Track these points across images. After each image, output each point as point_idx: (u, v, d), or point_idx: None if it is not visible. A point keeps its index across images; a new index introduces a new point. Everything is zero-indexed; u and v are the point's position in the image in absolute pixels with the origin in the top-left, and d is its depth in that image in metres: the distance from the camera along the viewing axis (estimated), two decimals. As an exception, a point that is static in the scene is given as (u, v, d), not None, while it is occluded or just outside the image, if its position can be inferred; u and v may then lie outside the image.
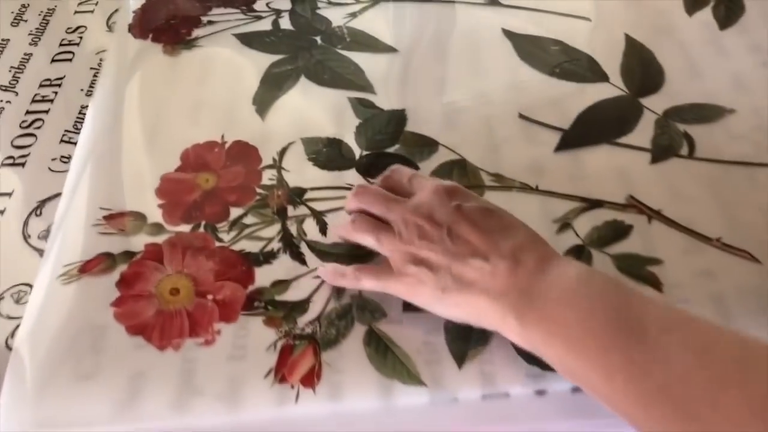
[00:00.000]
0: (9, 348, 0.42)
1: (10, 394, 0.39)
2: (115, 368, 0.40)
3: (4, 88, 0.58)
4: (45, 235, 0.47)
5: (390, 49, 0.57)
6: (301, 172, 0.49)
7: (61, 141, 0.54)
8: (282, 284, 0.43)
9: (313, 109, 0.53)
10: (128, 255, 0.45)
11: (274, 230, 0.46)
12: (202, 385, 0.39)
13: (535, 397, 0.38)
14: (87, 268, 0.44)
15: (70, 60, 0.60)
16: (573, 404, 0.38)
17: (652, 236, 0.44)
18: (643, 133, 0.50)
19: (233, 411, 0.38)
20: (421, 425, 0.38)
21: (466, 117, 0.52)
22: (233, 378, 0.39)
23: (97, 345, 0.41)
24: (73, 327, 0.41)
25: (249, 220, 0.46)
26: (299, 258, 0.44)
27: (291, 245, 0.45)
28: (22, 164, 0.52)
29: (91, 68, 0.59)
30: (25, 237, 0.48)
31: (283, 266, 0.44)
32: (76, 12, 0.65)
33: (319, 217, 0.46)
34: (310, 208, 0.47)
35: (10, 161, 0.52)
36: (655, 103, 0.52)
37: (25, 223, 0.48)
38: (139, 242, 0.45)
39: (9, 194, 0.50)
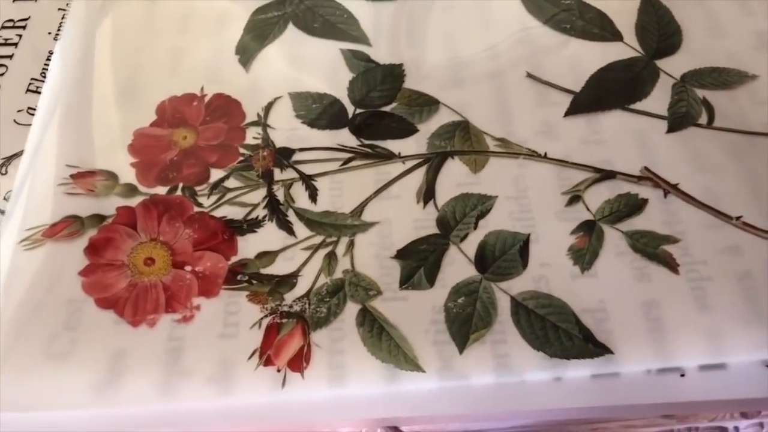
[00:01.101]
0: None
1: None
2: (93, 346, 0.36)
3: (-40, 28, 0.52)
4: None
5: (387, -3, 0.53)
6: (289, 131, 0.45)
7: (28, 90, 0.49)
8: (268, 256, 0.39)
9: (302, 62, 0.49)
10: (98, 219, 0.41)
11: (258, 195, 0.42)
12: (191, 367, 0.35)
13: (551, 383, 0.36)
14: (52, 232, 0.40)
15: (35, -1, 0.55)
16: (590, 389, 0.35)
17: (669, 211, 0.41)
18: (659, 99, 0.46)
19: (224, 395, 0.35)
20: (424, 411, 0.35)
21: (470, 74, 0.48)
22: (224, 359, 0.36)
23: (72, 320, 0.37)
24: (42, 300, 0.38)
25: (231, 183, 0.42)
26: (287, 227, 0.41)
27: (278, 212, 0.41)
28: (-18, 115, 0.48)
29: (60, 9, 0.54)
30: (-13, 197, 0.44)
31: (269, 236, 0.40)
32: (41, -55, 0.59)
33: (308, 181, 0.42)
34: (299, 172, 0.43)
35: (-32, 111, 0.48)
36: (673, 66, 0.48)
37: (-13, 182, 0.44)
38: (110, 205, 0.41)
39: (-33, 149, 0.46)
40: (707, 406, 0.38)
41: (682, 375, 0.35)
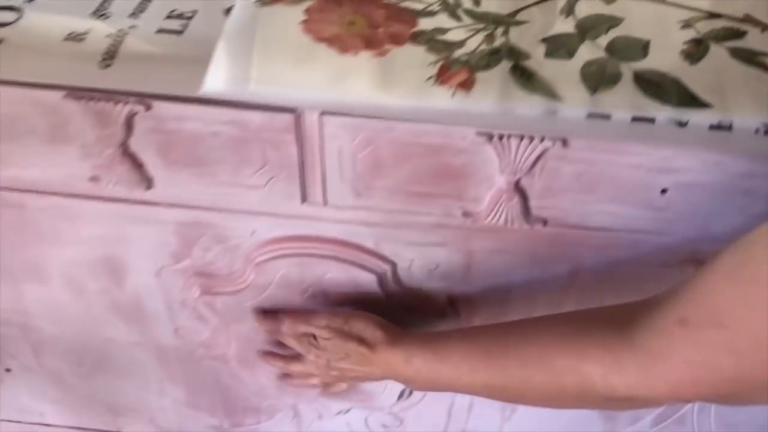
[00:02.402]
0: None
1: (230, 55, 0.47)
2: (324, 61, 0.47)
3: None
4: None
5: None
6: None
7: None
8: (441, 30, 0.50)
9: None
10: (310, -4, 0.52)
11: (435, -2, 0.53)
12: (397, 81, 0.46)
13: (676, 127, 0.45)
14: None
15: None
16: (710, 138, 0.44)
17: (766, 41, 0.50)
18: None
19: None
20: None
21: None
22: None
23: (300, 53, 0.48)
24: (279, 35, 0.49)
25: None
26: (455, 16, 0.52)
27: (449, 9, 0.52)
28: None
29: None
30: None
31: (441, 21, 0.51)
32: None
33: (473, -7, 0.54)
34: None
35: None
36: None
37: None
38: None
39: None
40: None
41: None
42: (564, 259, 0.58)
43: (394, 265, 0.61)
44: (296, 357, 0.64)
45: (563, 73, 0.47)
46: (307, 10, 0.51)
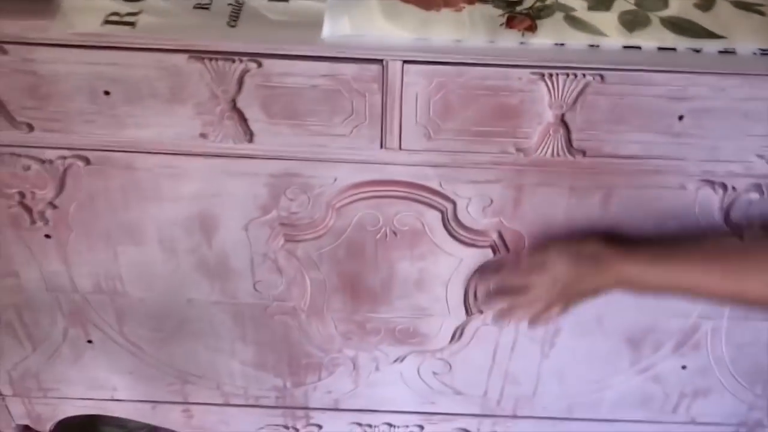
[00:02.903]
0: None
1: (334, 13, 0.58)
2: (412, 14, 0.60)
3: None
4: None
5: None
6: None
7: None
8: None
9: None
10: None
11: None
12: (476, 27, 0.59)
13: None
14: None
15: None
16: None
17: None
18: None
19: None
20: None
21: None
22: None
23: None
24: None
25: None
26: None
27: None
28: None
29: None
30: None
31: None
32: None
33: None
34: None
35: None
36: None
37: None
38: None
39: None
40: None
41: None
42: (599, 188, 0.70)
43: (454, 203, 0.71)
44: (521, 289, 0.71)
45: (605, 20, 0.60)
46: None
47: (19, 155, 0.69)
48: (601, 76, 0.61)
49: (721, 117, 0.64)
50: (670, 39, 0.58)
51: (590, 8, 0.61)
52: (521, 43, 0.59)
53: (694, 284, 0.65)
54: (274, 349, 0.86)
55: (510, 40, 0.58)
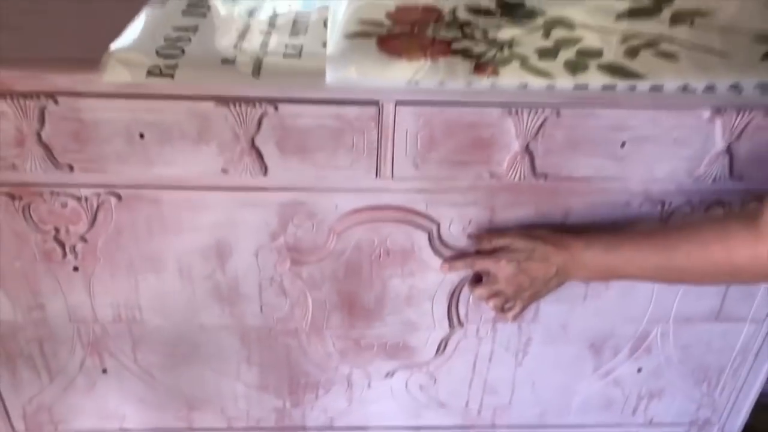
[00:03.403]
0: None
1: (335, 64, 0.71)
2: (399, 65, 0.73)
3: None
4: None
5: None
6: None
7: None
8: (469, 48, 0.77)
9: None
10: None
11: None
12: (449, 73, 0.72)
13: (629, 91, 0.72)
14: (354, 37, 0.77)
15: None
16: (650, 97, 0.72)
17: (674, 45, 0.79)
18: None
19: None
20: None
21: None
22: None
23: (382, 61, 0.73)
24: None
25: None
26: (474, 39, 0.78)
27: (467, 36, 0.79)
28: None
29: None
30: None
31: (466, 44, 0.78)
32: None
33: None
34: None
35: None
36: None
37: None
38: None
39: None
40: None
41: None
42: (558, 207, 0.83)
43: (438, 224, 0.84)
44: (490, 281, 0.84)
45: (553, 66, 0.74)
46: (378, 41, 0.76)
47: (59, 194, 0.79)
48: (557, 112, 0.75)
49: (655, 143, 0.78)
50: (608, 80, 0.73)
51: (540, 57, 0.75)
52: (492, 85, 0.72)
53: (629, 261, 0.75)
54: (275, 369, 0.95)
55: (477, 82, 0.72)
